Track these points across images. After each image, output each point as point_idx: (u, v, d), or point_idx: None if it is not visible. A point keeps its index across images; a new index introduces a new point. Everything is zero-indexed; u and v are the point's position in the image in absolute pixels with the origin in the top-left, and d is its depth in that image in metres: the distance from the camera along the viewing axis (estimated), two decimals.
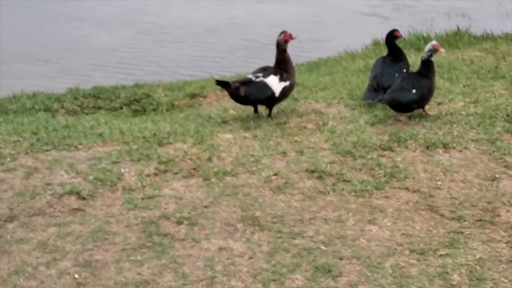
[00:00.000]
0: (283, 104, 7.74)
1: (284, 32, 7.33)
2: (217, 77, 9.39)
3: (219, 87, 9.17)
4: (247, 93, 7.12)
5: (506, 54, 10.37)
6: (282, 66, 7.35)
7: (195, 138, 6.79)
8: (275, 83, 7.23)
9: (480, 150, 6.62)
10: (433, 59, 7.38)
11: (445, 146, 6.68)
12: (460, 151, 6.62)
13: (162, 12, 18.47)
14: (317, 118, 7.48)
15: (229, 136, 6.96)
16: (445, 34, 14.47)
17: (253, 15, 18.79)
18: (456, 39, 13.80)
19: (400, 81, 7.40)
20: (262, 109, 7.52)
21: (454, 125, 7.17)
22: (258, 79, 7.21)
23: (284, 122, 7.33)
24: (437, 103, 7.84)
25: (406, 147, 6.67)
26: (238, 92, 7.10)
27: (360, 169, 6.26)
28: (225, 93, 9.68)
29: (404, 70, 8.00)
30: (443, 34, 14.50)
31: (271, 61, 7.57)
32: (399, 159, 6.43)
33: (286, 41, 7.30)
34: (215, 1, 19.69)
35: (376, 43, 14.28)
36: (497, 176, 6.13)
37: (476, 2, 21.27)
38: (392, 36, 8.19)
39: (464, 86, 8.25)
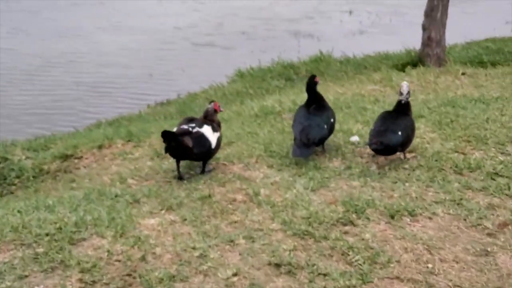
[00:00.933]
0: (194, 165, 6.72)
1: (213, 101, 7.07)
2: None
3: (96, 145, 7.89)
4: (193, 145, 6.36)
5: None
6: (209, 118, 6.85)
7: (114, 229, 5.44)
8: (210, 134, 6.59)
9: (451, 215, 5.75)
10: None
11: (411, 214, 5.74)
12: (430, 218, 5.71)
13: None
14: (244, 186, 6.35)
15: (153, 221, 5.66)
16: (309, 60, 13.86)
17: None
18: (322, 65, 13.22)
19: (382, 123, 6.63)
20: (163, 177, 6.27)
21: (407, 184, 6.28)
22: (194, 130, 6.50)
23: (209, 195, 6.12)
24: (369, 155, 6.95)
25: (368, 219, 5.67)
26: (185, 144, 6.30)
27: (331, 255, 5.16)
28: (105, 152, 8.38)
29: (332, 120, 7.05)
30: (307, 60, 13.89)
31: None
32: (367, 236, 5.39)
33: (215, 111, 6.93)
34: None
35: (240, 74, 13.39)
36: (488, 249, 5.24)
37: (318, 22, 20.96)
38: (312, 83, 7.22)
39: None
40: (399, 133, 6.52)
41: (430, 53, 12.26)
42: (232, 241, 5.32)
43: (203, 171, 6.71)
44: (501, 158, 6.79)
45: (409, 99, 6.90)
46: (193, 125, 6.54)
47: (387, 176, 6.43)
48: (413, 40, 15.56)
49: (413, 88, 9.73)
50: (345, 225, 5.58)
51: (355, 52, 15.23)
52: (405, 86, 6.81)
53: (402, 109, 6.78)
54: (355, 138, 7.39)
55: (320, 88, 10.33)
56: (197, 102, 11.94)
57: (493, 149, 7.03)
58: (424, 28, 12.30)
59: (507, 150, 7.00)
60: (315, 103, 7.13)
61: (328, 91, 9.98)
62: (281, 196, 6.10)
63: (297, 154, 6.69)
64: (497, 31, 17.74)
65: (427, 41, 12.25)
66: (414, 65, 12.42)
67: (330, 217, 5.64)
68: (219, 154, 7.15)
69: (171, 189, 6.36)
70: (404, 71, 11.63)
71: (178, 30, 20.15)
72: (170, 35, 19.35)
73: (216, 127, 6.71)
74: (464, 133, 7.41)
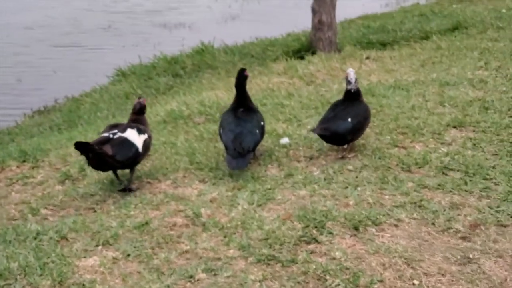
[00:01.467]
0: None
1: (142, 97, 6.75)
2: None
3: None
4: (115, 152, 5.87)
5: (311, 76, 9.28)
6: (135, 122, 6.44)
7: (49, 278, 4.65)
8: (135, 137, 6.12)
9: (417, 220, 5.32)
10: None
11: (375, 223, 5.27)
12: (395, 225, 5.26)
13: None
14: (181, 207, 5.70)
15: (92, 261, 4.92)
16: (193, 52, 13.21)
17: None
18: (208, 57, 12.64)
19: (331, 111, 6.34)
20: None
21: (359, 188, 5.83)
22: (116, 136, 6.04)
23: (146, 222, 5.42)
24: (305, 157, 6.46)
25: (332, 233, 5.15)
26: (104, 152, 5.79)
27: (306, 282, 4.61)
28: None
29: (262, 123, 6.49)
30: (189, 53, 13.23)
31: None
32: (338, 254, 4.87)
33: (142, 107, 6.57)
34: None
35: (122, 74, 12.57)
36: (470, 256, 4.85)
37: (186, 12, 20.23)
38: (243, 78, 6.59)
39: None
40: (349, 119, 6.15)
41: (322, 37, 11.90)
42: (191, 276, 4.66)
43: (130, 182, 6.19)
44: (444, 149, 6.45)
45: (327, 90, 6.44)
46: (115, 131, 6.10)
47: (335, 181, 5.94)
48: (290, 24, 15.29)
49: (322, 77, 9.31)
50: (308, 243, 5.03)
51: (233, 40, 14.71)
52: (352, 73, 6.43)
53: (353, 98, 6.41)
54: (285, 140, 6.85)
55: (218, 83, 9.61)
56: (83, 109, 11.01)
57: (431, 139, 6.70)
58: (314, 11, 11.91)
59: (446, 140, 6.67)
60: (243, 105, 6.51)
61: (229, 86, 9.37)
62: (226, 215, 5.48)
63: (234, 166, 6.08)
64: (366, 7, 17.75)
65: (318, 25, 11.87)
66: (306, 51, 12.03)
67: (290, 236, 5.08)
68: (140, 171, 6.42)
69: (99, 218, 5.59)
70: (302, 59, 11.20)
71: (30, 31, 18.67)
72: (24, 37, 17.86)
73: (142, 129, 6.25)
74: (396, 125, 7.05)
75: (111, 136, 6.02)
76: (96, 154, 5.77)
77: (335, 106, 6.38)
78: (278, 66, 10.61)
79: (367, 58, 10.08)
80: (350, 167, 6.21)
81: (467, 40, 10.97)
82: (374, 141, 6.68)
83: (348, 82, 6.41)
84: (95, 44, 17.05)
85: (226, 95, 8.93)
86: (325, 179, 6.01)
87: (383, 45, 12.22)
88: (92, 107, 10.82)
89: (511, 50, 9.85)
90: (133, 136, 6.09)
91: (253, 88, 9.13)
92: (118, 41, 17.20)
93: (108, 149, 5.84)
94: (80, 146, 5.69)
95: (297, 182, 6.00)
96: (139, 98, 6.68)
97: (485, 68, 8.96)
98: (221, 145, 6.62)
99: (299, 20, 15.38)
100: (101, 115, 10.27)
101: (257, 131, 6.31)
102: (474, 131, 6.82)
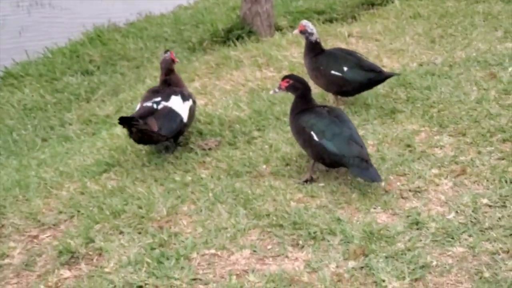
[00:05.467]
0: None
1: (168, 50, 6.09)
2: None
3: None
4: (160, 127, 5.41)
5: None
6: (174, 86, 5.89)
7: None
8: (180, 106, 5.64)
9: None
10: None
11: None
12: None
13: None
14: None
15: None
16: (85, 39, 10.99)
17: None
18: (111, 45, 10.57)
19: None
20: None
21: None
22: (160, 106, 5.58)
23: None
24: None
25: None
26: (148, 129, 5.35)
27: None
28: None
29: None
30: (84, 40, 11.01)
31: None
32: None
33: (173, 61, 6.01)
34: None
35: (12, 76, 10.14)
36: None
37: None
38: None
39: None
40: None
41: (260, 10, 10.06)
42: None
43: (176, 145, 5.75)
44: None
45: None
46: (158, 98, 5.62)
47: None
48: None
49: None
50: None
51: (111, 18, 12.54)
52: (310, 24, 6.14)
53: (319, 49, 6.15)
54: None
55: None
56: None
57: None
58: None
59: None
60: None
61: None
62: None
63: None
64: None
65: None
66: (241, 29, 10.19)
67: None
68: None
69: None
70: (233, 41, 9.43)
71: None
72: None
73: (186, 95, 5.77)
74: (483, 128, 5.56)
75: (154, 106, 5.54)
76: (140, 130, 5.32)
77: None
78: (211, 57, 8.66)
79: (349, 35, 8.36)
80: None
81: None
82: (482, 158, 5.06)
83: (310, 34, 6.07)
84: None
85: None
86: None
87: (322, 14, 10.60)
88: (0, 127, 8.38)
89: None
90: (178, 105, 5.59)
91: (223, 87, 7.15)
92: None
93: (153, 124, 5.37)
94: (124, 121, 5.26)
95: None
96: (165, 52, 6.04)
97: (510, 40, 7.60)
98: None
99: None
100: (25, 132, 8.00)
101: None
102: None
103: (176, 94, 5.67)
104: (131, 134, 5.43)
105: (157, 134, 5.38)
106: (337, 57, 6.04)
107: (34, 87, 9.68)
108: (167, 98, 5.60)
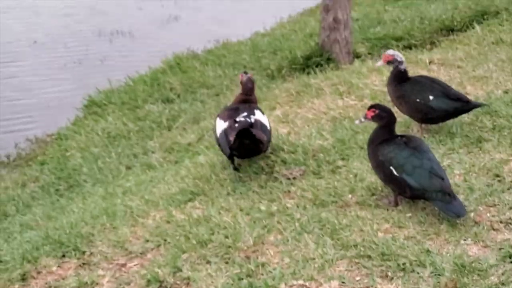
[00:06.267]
0: None
1: (246, 72, 6.18)
2: None
3: None
4: (267, 137, 5.57)
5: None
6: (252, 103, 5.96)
7: None
8: (266, 119, 5.78)
9: None
10: None
11: None
12: None
13: None
14: None
15: None
16: (164, 67, 11.16)
17: None
18: (190, 73, 10.68)
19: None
20: None
21: None
22: (252, 119, 5.64)
23: None
24: None
25: None
26: (261, 139, 5.40)
27: None
28: None
29: None
30: (163, 67, 11.18)
31: None
32: None
33: (252, 84, 6.05)
34: None
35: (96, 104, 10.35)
36: None
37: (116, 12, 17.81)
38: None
39: None
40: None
41: (339, 38, 10.07)
42: None
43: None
44: None
45: None
46: (245, 113, 5.65)
47: None
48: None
49: None
50: None
51: (190, 45, 12.75)
52: (398, 53, 6.17)
53: (405, 78, 6.07)
54: None
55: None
56: (73, 159, 8.71)
57: None
58: (327, 9, 10.04)
59: None
60: None
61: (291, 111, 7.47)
62: None
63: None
64: None
65: (333, 24, 10.01)
66: (318, 56, 10.20)
67: None
68: None
69: None
70: (313, 68, 9.44)
71: None
72: None
73: (262, 110, 5.89)
74: None
75: (248, 120, 5.57)
76: (254, 141, 5.34)
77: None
78: (290, 85, 8.67)
79: (430, 62, 8.30)
80: None
81: None
82: None
83: (400, 62, 6.00)
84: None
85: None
86: None
87: (400, 40, 10.53)
88: (86, 155, 8.57)
89: None
90: (264, 119, 5.70)
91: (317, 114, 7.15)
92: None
93: (261, 135, 5.39)
94: (244, 134, 5.29)
95: None
96: (245, 73, 6.09)
97: None
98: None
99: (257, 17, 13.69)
100: (109, 160, 8.14)
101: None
102: None
103: (257, 109, 5.77)
104: (239, 147, 5.40)
105: (263, 144, 5.43)
106: (423, 85, 5.99)
107: (117, 115, 9.87)
108: (253, 113, 5.67)
